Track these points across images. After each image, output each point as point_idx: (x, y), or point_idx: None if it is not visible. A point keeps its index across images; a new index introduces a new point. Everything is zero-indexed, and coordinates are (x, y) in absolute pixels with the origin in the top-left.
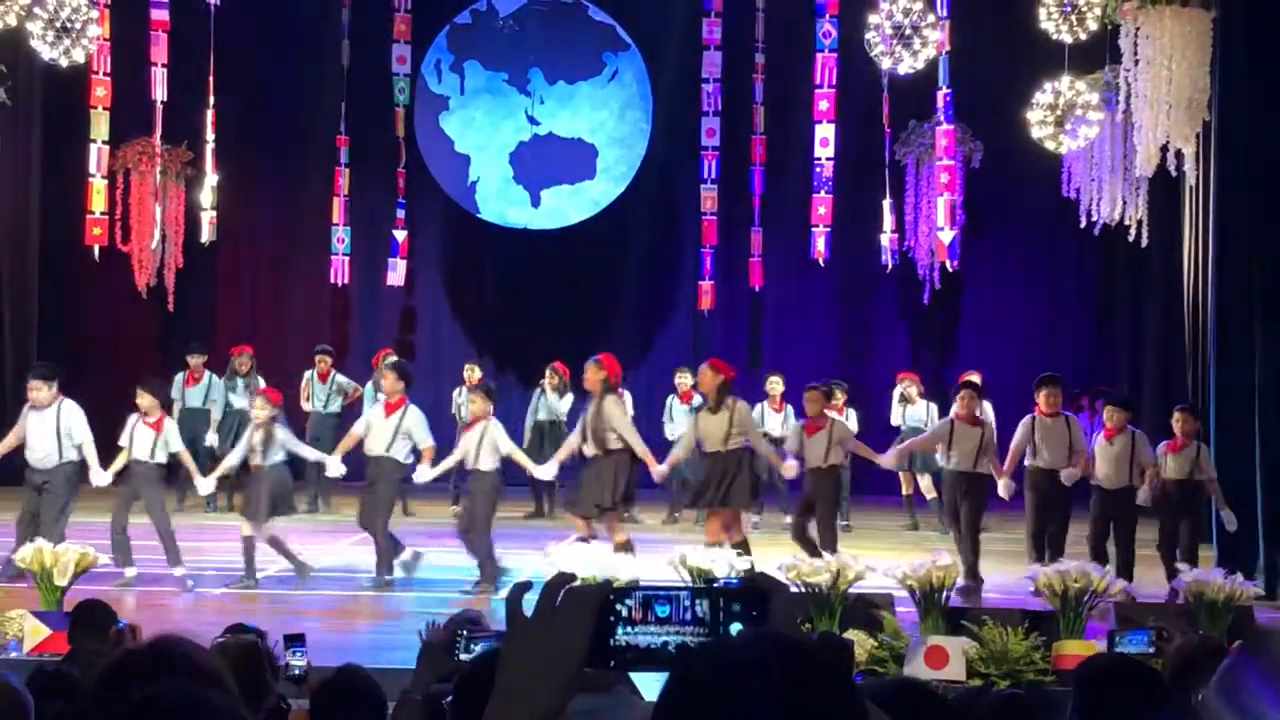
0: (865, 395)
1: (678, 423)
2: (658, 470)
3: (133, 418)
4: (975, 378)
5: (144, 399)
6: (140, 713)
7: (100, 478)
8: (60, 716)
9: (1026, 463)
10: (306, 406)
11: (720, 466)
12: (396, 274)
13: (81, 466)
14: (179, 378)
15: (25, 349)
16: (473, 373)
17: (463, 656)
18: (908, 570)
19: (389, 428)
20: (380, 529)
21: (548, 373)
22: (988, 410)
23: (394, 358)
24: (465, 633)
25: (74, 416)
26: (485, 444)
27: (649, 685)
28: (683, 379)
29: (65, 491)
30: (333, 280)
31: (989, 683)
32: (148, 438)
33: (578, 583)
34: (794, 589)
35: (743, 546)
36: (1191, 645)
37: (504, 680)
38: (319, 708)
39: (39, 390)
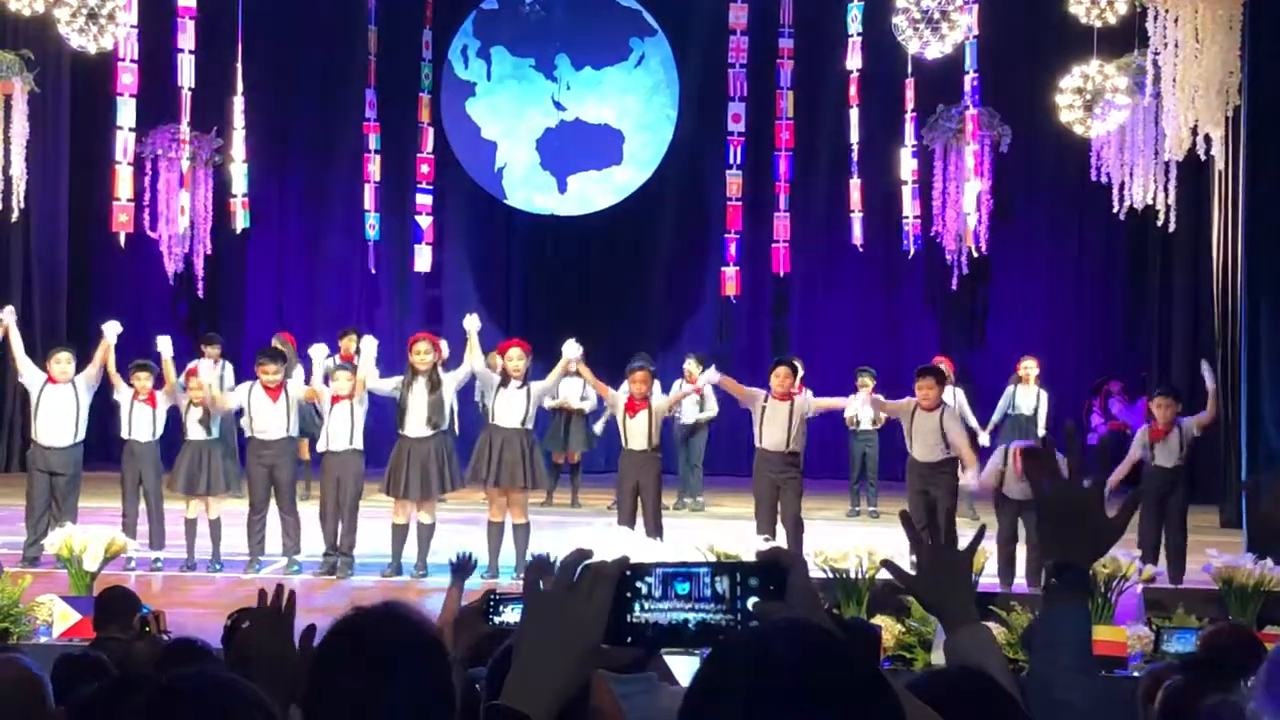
0: (894, 381)
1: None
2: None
3: (126, 394)
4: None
5: (141, 380)
6: (165, 699)
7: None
8: (89, 698)
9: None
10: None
11: (518, 444)
12: (422, 260)
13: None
14: (194, 364)
15: (55, 336)
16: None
17: (495, 620)
18: None
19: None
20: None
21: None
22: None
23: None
24: (495, 596)
25: (85, 389)
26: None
27: (682, 670)
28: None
29: (79, 472)
30: (366, 267)
31: (1017, 668)
32: (146, 416)
33: (595, 559)
34: (822, 574)
35: (527, 527)
36: (1224, 633)
37: (522, 656)
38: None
39: (71, 367)
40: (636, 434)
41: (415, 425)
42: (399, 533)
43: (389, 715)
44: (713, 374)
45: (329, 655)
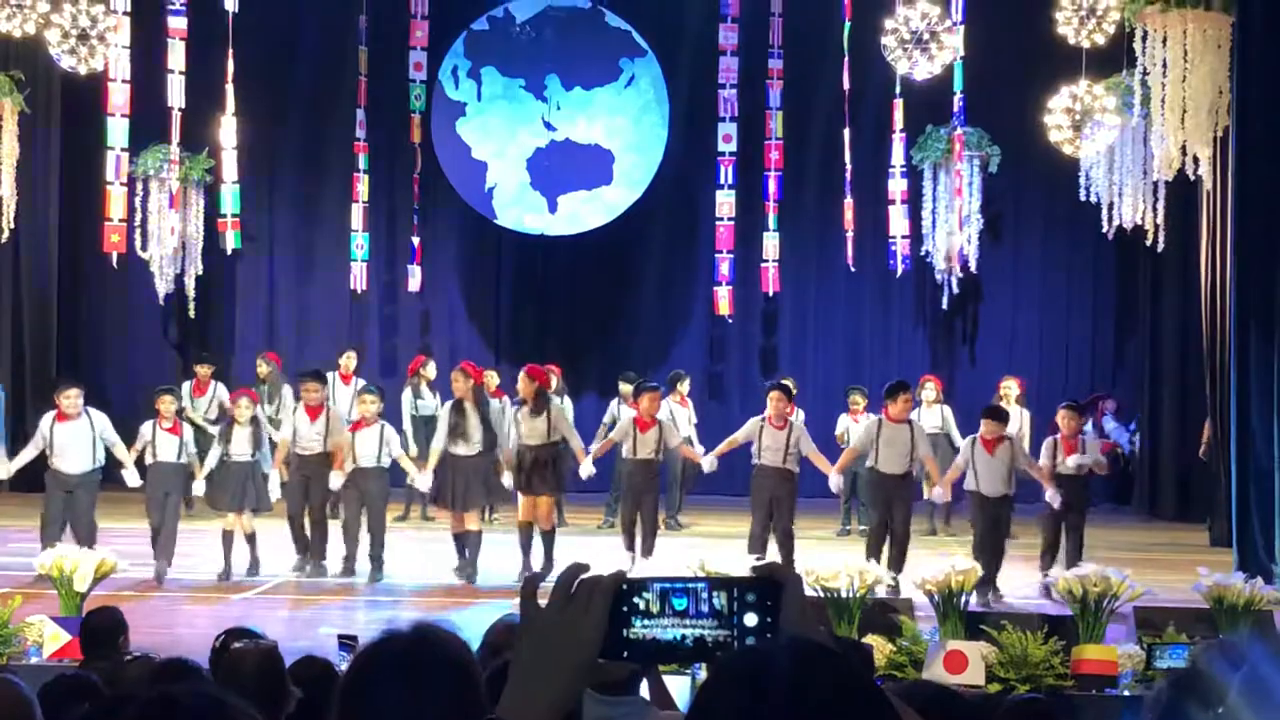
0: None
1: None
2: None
3: (149, 425)
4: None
5: (166, 404)
6: (154, 714)
7: (133, 479)
8: (83, 717)
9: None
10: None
11: (541, 458)
12: (414, 280)
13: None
14: (186, 386)
15: (45, 356)
16: (489, 379)
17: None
18: (926, 575)
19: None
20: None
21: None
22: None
23: (431, 365)
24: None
25: (106, 423)
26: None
27: (676, 689)
28: (682, 385)
29: (95, 493)
30: (352, 287)
31: (1008, 687)
32: (171, 442)
33: (591, 573)
34: (813, 593)
35: (552, 533)
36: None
37: (518, 670)
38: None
39: (80, 400)
40: (646, 446)
41: (464, 446)
42: (460, 540)
43: None
44: (712, 460)
45: (359, 678)
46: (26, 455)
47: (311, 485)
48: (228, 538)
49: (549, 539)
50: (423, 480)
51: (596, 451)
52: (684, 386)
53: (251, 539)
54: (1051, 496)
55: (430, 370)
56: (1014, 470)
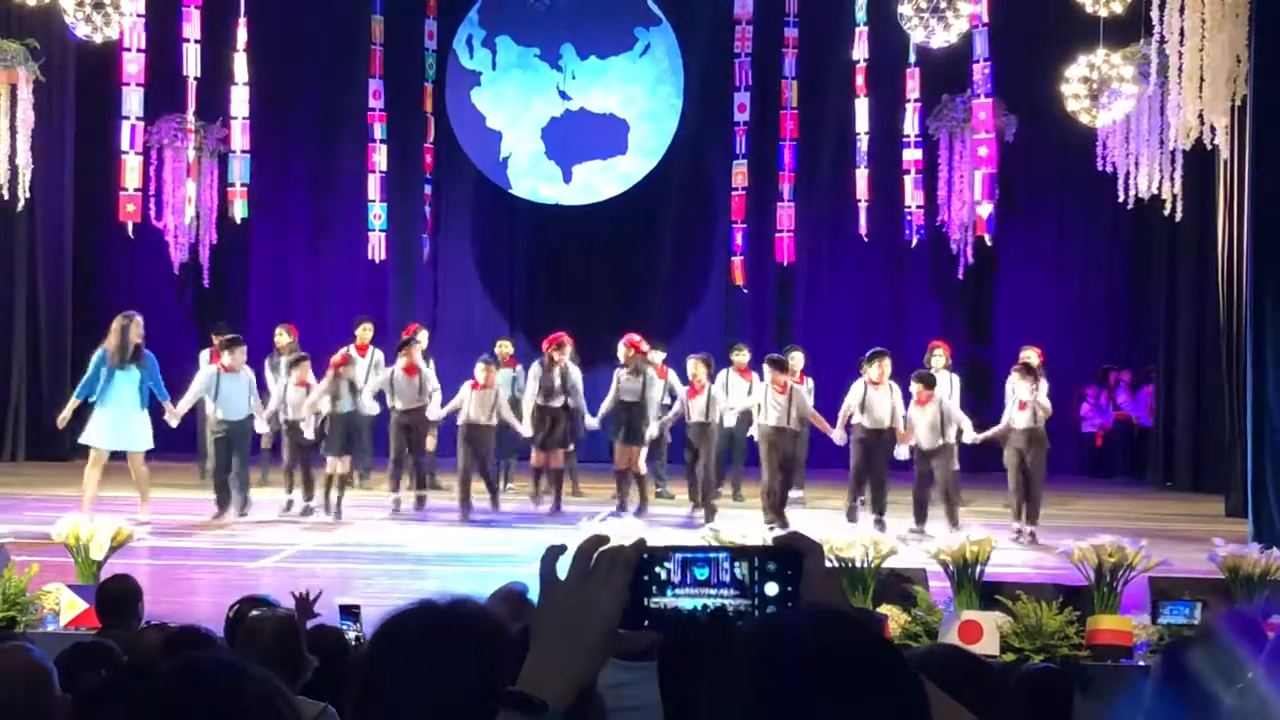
0: (898, 370)
1: (733, 396)
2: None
3: (281, 383)
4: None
5: (303, 371)
6: (176, 682)
7: (265, 426)
8: (102, 685)
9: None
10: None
11: (636, 414)
12: (428, 250)
13: None
14: (204, 355)
15: (60, 325)
16: (504, 348)
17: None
18: (941, 545)
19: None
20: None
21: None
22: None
23: (424, 333)
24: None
25: (253, 378)
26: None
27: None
28: (739, 356)
29: (250, 438)
30: (369, 256)
31: (1023, 657)
32: (300, 395)
33: (611, 545)
34: (828, 564)
35: (640, 479)
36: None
37: (539, 643)
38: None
39: (244, 355)
40: (698, 409)
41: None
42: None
43: (447, 714)
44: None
45: (382, 652)
46: (187, 403)
47: (413, 434)
48: (329, 481)
49: (644, 481)
50: (525, 428)
51: (667, 422)
52: (740, 357)
53: (343, 483)
54: (972, 440)
55: (422, 338)
56: (943, 425)
